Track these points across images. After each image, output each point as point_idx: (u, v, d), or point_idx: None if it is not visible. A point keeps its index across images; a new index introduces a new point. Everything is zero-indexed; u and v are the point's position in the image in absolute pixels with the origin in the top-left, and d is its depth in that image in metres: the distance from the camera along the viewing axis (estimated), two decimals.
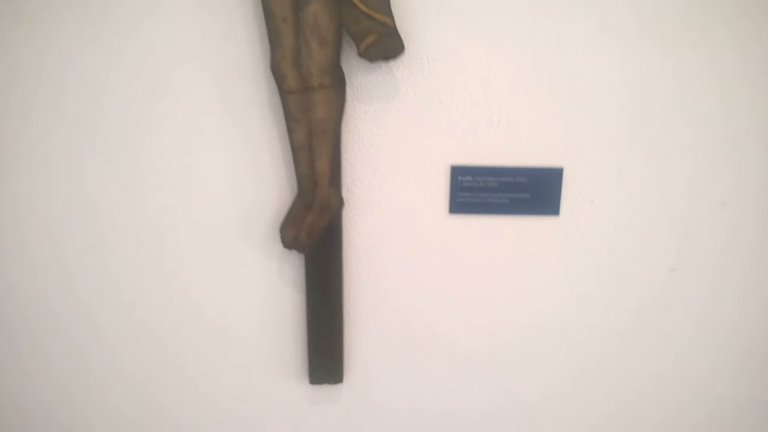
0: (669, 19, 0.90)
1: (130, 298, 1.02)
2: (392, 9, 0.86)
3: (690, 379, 1.07)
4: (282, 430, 1.09)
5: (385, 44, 0.87)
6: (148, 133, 0.93)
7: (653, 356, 1.05)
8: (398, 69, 0.90)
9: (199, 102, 0.92)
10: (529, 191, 0.95)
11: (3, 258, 1.01)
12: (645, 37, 0.90)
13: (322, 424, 1.08)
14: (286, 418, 1.08)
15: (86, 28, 0.89)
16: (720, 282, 1.01)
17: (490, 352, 1.04)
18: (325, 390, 1.05)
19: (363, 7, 0.85)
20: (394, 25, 0.86)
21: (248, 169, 0.94)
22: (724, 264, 1.00)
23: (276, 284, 1.00)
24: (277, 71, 0.88)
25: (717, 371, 1.07)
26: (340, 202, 0.94)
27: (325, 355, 0.98)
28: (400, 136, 0.93)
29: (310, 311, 0.97)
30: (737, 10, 0.90)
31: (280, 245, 0.96)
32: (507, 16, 0.89)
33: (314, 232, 0.94)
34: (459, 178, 0.95)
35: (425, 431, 1.08)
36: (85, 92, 0.92)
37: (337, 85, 0.89)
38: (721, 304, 1.03)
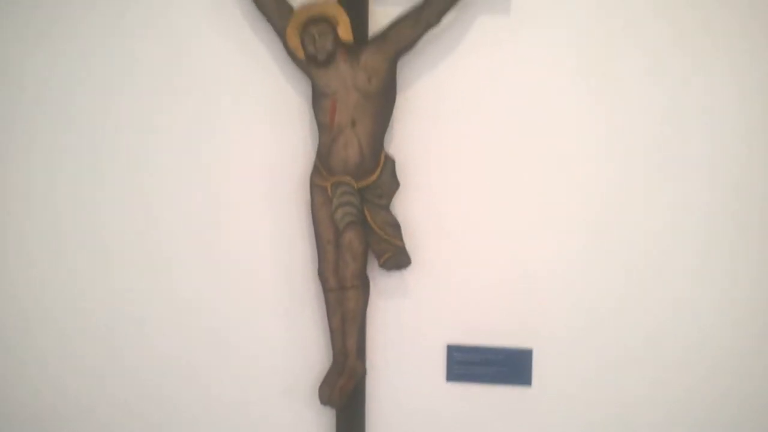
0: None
1: None
2: (402, 235, 1.23)
3: None
4: None
5: (397, 259, 1.23)
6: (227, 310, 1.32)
7: None
8: (408, 275, 1.26)
9: (267, 302, 1.31)
10: (506, 366, 1.26)
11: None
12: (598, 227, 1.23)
13: None
14: None
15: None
16: None
17: None
18: None
19: (382, 234, 1.23)
20: (404, 246, 1.23)
21: (299, 344, 1.31)
22: None
23: (316, 424, 1.31)
24: (322, 275, 1.26)
25: None
26: (364, 371, 1.27)
27: None
28: (409, 322, 1.28)
29: None
30: None
31: (317, 401, 1.29)
32: (482, 238, 1.25)
33: (344, 392, 1.26)
34: (453, 354, 1.27)
35: None
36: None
37: (364, 286, 1.25)
38: None
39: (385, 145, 1.22)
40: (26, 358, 1.42)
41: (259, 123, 1.29)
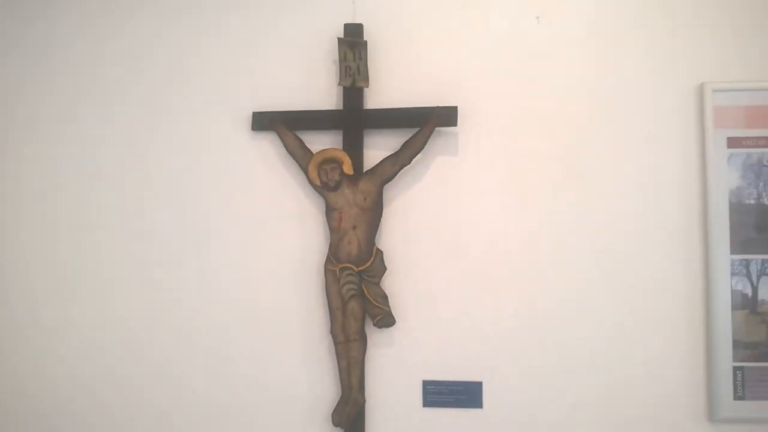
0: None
1: None
2: (389, 303, 1.79)
3: None
4: None
5: (386, 320, 1.79)
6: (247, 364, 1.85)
7: None
8: (393, 331, 1.81)
9: (292, 352, 1.84)
10: (465, 395, 1.78)
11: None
12: (522, 295, 1.79)
13: None
14: None
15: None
16: None
17: None
18: None
19: (375, 303, 1.79)
20: (390, 310, 1.79)
21: (316, 382, 1.83)
22: None
23: None
24: (333, 332, 1.80)
25: None
26: (364, 400, 1.79)
27: None
28: (396, 365, 1.81)
29: None
30: None
31: (331, 423, 1.79)
32: (445, 305, 1.81)
33: (350, 417, 1.77)
34: (427, 387, 1.80)
35: None
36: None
37: (363, 339, 1.79)
38: None
39: (376, 241, 1.81)
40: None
41: (289, 228, 1.88)
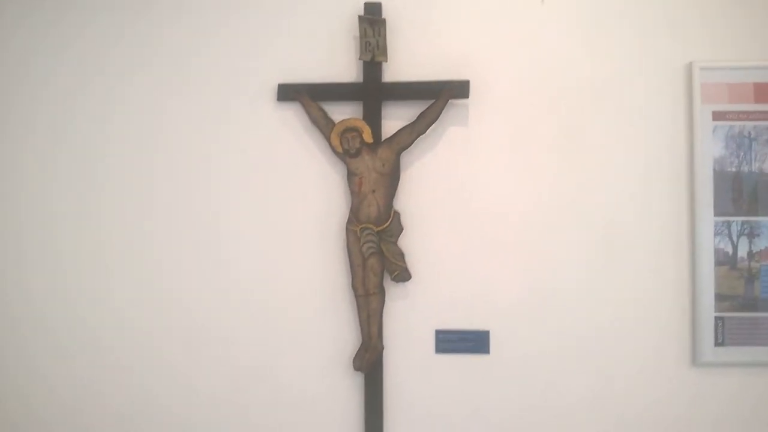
0: None
1: None
2: (405, 259, 1.96)
3: None
4: None
5: (402, 275, 1.96)
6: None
7: None
8: (409, 285, 1.98)
9: (317, 305, 2.01)
10: (473, 342, 1.96)
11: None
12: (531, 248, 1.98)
13: None
14: None
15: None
16: None
17: None
18: None
19: (392, 259, 1.95)
20: (407, 266, 1.96)
21: (339, 332, 2.00)
22: None
23: (350, 384, 2.00)
24: (354, 286, 1.97)
25: None
26: (382, 347, 1.97)
27: (373, 423, 1.94)
28: (410, 316, 1.99)
29: (366, 396, 1.96)
30: None
31: (352, 369, 1.97)
32: (455, 260, 1.99)
33: (369, 362, 1.95)
34: (439, 335, 1.98)
35: None
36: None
37: (382, 293, 1.97)
38: None
39: (394, 204, 1.98)
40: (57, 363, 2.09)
41: (313, 192, 2.04)
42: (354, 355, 1.98)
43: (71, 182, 2.10)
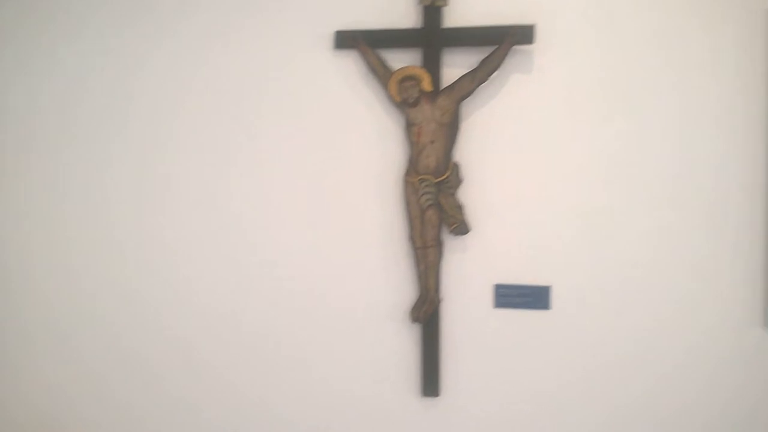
0: None
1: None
2: (464, 211, 1.93)
3: None
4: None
5: (461, 228, 1.92)
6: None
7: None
8: (467, 238, 1.95)
9: (376, 257, 2.00)
10: (533, 296, 1.93)
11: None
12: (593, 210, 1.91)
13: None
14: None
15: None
16: None
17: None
18: (430, 402, 2.00)
19: (451, 212, 1.92)
20: (465, 219, 1.92)
21: (397, 284, 2.00)
22: None
23: (407, 337, 2.00)
24: (411, 239, 1.95)
25: None
26: (440, 300, 1.96)
27: (429, 375, 1.96)
28: (469, 269, 1.96)
29: (423, 348, 1.97)
30: None
31: (409, 320, 1.98)
32: (517, 213, 1.93)
33: (426, 315, 1.95)
34: (498, 290, 1.95)
35: None
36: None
37: (439, 245, 1.94)
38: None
39: (453, 155, 1.92)
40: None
41: (370, 142, 2.01)
42: (411, 308, 1.98)
43: (121, 138, 2.13)
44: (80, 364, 2.19)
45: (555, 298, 1.94)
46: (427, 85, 1.91)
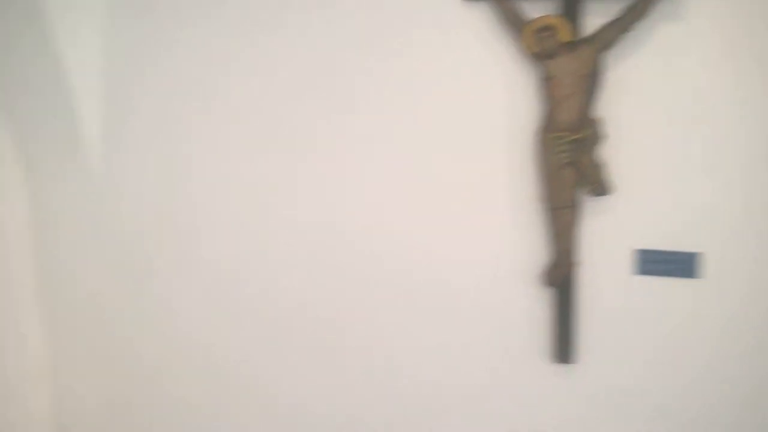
0: None
1: None
2: (604, 171, 1.80)
3: None
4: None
5: (600, 189, 1.79)
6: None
7: None
8: (606, 200, 1.82)
9: (508, 217, 1.92)
10: (679, 264, 1.78)
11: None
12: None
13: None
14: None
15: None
16: None
17: None
18: (562, 369, 1.90)
19: (589, 172, 1.79)
20: (604, 180, 1.79)
21: (529, 245, 1.91)
22: None
23: (538, 301, 1.92)
24: (545, 199, 1.85)
25: None
26: (575, 264, 1.85)
27: (563, 341, 1.86)
28: (607, 232, 1.84)
29: (556, 314, 1.88)
30: None
31: (540, 284, 1.89)
32: (663, 171, 1.78)
33: (559, 279, 1.85)
34: (640, 255, 1.81)
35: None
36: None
37: (575, 206, 1.83)
38: None
39: (594, 109, 1.79)
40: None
41: (500, 96, 1.90)
42: (544, 271, 1.88)
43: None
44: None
45: (706, 266, 1.78)
46: (565, 35, 1.79)
